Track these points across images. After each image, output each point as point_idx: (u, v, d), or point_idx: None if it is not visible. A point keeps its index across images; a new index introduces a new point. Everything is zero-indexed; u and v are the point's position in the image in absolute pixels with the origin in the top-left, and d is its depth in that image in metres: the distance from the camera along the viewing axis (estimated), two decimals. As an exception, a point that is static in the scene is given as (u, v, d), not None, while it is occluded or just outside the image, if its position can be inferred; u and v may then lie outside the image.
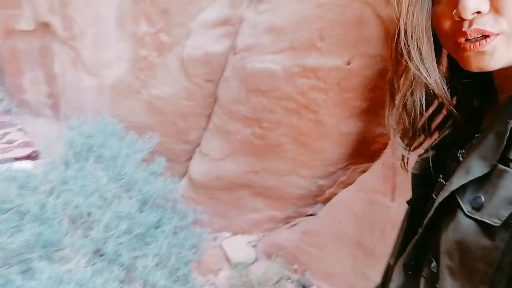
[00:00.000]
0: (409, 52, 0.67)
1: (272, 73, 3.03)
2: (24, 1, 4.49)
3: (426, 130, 0.77)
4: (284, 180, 3.16)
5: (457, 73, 0.72)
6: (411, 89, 0.71)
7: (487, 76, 0.71)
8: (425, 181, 0.79)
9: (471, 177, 0.62)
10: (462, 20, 0.61)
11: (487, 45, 0.61)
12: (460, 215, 0.62)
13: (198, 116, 3.85)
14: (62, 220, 2.97)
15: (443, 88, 0.70)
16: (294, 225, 3.19)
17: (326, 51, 2.90)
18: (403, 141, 0.79)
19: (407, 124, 0.75)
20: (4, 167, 3.26)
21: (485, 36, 0.61)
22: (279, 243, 3.23)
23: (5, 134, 4.24)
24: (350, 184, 3.00)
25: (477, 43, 0.61)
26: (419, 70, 0.67)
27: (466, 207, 0.62)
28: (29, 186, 3.01)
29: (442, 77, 0.70)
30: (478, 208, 0.60)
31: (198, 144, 3.89)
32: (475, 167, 0.63)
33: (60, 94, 4.66)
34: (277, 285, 3.04)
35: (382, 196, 2.62)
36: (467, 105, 0.75)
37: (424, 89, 0.71)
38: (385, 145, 2.74)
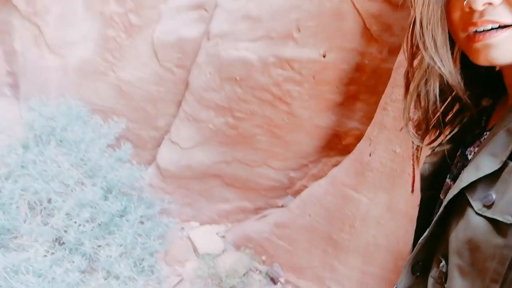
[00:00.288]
0: (424, 42, 0.66)
1: (247, 62, 2.94)
2: (-19, -30, 4.15)
3: (440, 125, 0.75)
4: (256, 171, 3.10)
5: (469, 71, 0.71)
6: (425, 79, 0.70)
7: (497, 74, 0.70)
8: (433, 183, 0.77)
9: (481, 174, 0.61)
10: (473, 11, 0.60)
11: (496, 37, 0.59)
12: (470, 213, 0.61)
13: (168, 102, 3.71)
14: (19, 206, 2.78)
15: (457, 79, 0.68)
16: (264, 216, 3.14)
17: (302, 42, 2.85)
18: (417, 135, 0.76)
19: (420, 115, 0.74)
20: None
21: (495, 29, 0.59)
22: (248, 235, 3.18)
23: (-42, 113, 3.93)
24: (321, 177, 2.98)
25: (487, 34, 0.60)
26: (433, 59, 0.66)
27: (476, 205, 0.60)
28: (-17, 170, 2.80)
29: (457, 68, 0.68)
30: (489, 205, 0.59)
31: (167, 132, 3.76)
32: (485, 164, 0.61)
33: (21, 73, 4.36)
34: (244, 276, 2.99)
35: (352, 191, 2.61)
36: (477, 103, 0.73)
37: (438, 80, 0.69)
38: (357, 140, 2.73)
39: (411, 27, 0.69)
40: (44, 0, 3.89)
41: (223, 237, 3.36)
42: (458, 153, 0.75)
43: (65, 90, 4.01)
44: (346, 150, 2.92)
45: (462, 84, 0.69)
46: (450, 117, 0.76)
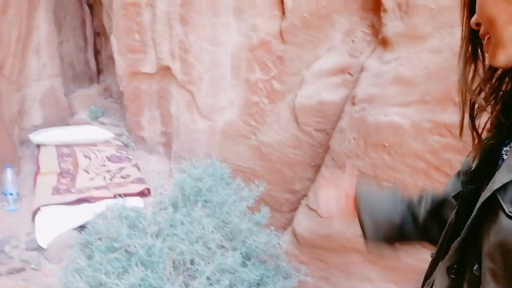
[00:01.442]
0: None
1: (398, 127, 2.63)
2: (149, 46, 4.72)
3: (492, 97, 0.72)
4: (405, 250, 2.66)
5: None
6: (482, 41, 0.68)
7: None
8: (473, 180, 0.73)
9: None
10: None
11: None
12: (501, 216, 0.59)
13: (305, 166, 3.56)
14: (165, 265, 2.81)
15: None
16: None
17: (464, 106, 2.43)
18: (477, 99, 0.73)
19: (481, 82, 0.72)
20: (118, 204, 3.26)
21: None
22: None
23: (121, 168, 4.36)
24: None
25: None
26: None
27: (507, 207, 0.58)
28: (138, 227, 2.92)
29: None
30: None
31: (303, 195, 3.57)
32: None
33: (174, 134, 4.73)
34: None
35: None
36: None
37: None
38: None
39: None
40: (198, 70, 4.20)
41: (363, 319, 2.91)
42: (496, 155, 0.70)
43: (212, 151, 4.18)
44: None
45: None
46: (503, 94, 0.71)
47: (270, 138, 3.76)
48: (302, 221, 3.19)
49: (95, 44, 7.58)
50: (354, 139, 2.90)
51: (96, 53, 7.61)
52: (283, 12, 3.59)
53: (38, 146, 4.67)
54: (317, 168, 3.44)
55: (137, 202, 3.60)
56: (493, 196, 0.61)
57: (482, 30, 0.65)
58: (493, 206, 0.61)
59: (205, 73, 4.16)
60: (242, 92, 3.98)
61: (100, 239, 2.87)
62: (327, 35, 3.44)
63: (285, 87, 3.70)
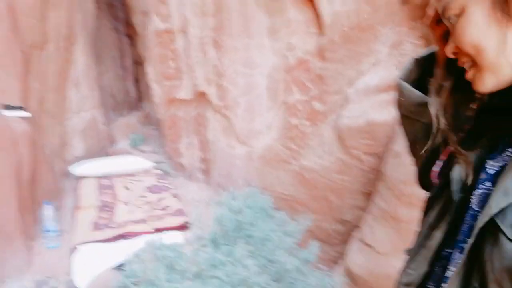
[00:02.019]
0: None
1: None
2: (184, 73, 4.56)
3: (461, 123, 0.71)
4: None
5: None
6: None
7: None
8: (463, 186, 0.70)
9: (511, 199, 0.57)
10: None
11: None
12: (503, 240, 0.57)
13: (355, 193, 3.19)
14: (207, 311, 2.52)
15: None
16: None
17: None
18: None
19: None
20: (156, 243, 3.03)
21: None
22: None
23: (161, 199, 4.17)
24: None
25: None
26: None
27: (508, 232, 0.57)
28: (177, 269, 2.67)
29: None
30: None
31: (354, 226, 3.20)
32: None
33: (212, 160, 4.51)
34: None
35: None
36: (490, 117, 0.69)
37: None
38: None
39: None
40: (234, 94, 3.97)
41: None
42: (480, 166, 0.68)
43: (250, 177, 3.90)
44: None
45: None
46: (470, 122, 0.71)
47: (312, 163, 3.43)
48: (357, 258, 2.80)
49: (135, 72, 7.63)
50: (412, 164, 2.51)
51: (137, 81, 7.65)
52: (320, 28, 3.30)
53: (79, 178, 4.59)
54: (369, 195, 3.07)
55: (176, 237, 3.36)
56: (491, 221, 0.59)
57: (462, 58, 0.64)
58: (491, 230, 0.59)
59: (241, 97, 3.92)
60: (280, 114, 3.70)
61: (137, 283, 2.64)
62: (371, 49, 3.10)
63: (326, 107, 3.37)
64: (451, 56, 0.65)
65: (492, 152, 0.68)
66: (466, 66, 0.64)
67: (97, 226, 3.54)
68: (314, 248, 2.89)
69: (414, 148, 0.87)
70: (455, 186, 0.71)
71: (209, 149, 4.55)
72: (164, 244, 2.95)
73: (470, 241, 0.62)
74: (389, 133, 2.85)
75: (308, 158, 3.49)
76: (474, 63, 0.62)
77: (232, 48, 3.86)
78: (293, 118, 3.58)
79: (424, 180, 0.84)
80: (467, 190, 0.69)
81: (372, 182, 3.01)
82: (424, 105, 0.73)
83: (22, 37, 3.90)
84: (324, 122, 3.39)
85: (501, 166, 0.64)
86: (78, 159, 5.16)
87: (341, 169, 3.23)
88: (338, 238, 3.31)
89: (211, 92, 4.24)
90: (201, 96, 4.48)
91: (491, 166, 0.67)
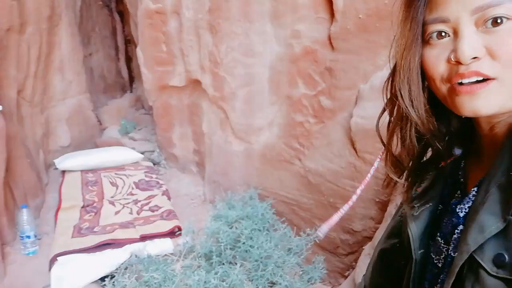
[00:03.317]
0: (400, 91, 0.66)
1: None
2: (177, 58, 4.05)
3: (417, 170, 0.73)
4: None
5: (440, 120, 0.69)
6: (399, 126, 0.71)
7: (468, 125, 0.68)
8: (423, 242, 0.70)
9: (488, 235, 0.56)
10: (459, 64, 0.59)
11: (481, 89, 0.57)
12: (484, 275, 0.56)
13: (367, 202, 2.78)
14: None
15: (431, 127, 0.67)
16: None
17: None
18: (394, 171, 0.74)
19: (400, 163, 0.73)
20: (143, 255, 2.62)
21: (479, 81, 0.58)
22: None
23: (150, 197, 3.74)
24: None
25: (473, 86, 0.58)
26: (407, 109, 0.66)
27: (488, 266, 0.55)
28: (165, 293, 2.26)
29: (429, 117, 0.67)
30: (502, 265, 0.54)
31: (363, 237, 2.80)
32: (489, 224, 0.56)
33: (207, 154, 4.06)
34: None
35: None
36: (449, 153, 0.71)
37: (413, 128, 0.69)
38: None
39: (391, 77, 0.70)
40: (231, 86, 3.48)
41: None
42: (440, 208, 0.70)
43: (249, 177, 3.47)
44: None
45: (434, 133, 0.67)
46: (425, 163, 0.72)
47: (319, 166, 3.00)
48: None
49: (126, 51, 7.03)
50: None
51: (129, 60, 7.06)
52: (332, 14, 2.79)
53: (63, 172, 4.13)
54: (383, 205, 2.66)
55: (166, 244, 2.95)
56: (470, 258, 0.57)
57: (468, 72, 0.58)
58: (470, 266, 0.57)
59: (239, 89, 3.44)
60: (284, 110, 3.23)
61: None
62: (390, 39, 2.60)
63: (336, 104, 2.91)
64: (466, 62, 0.58)
65: (452, 195, 0.69)
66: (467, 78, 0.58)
67: (79, 231, 3.12)
68: (320, 265, 2.50)
69: None
70: (414, 244, 0.70)
71: (203, 142, 4.09)
72: (151, 259, 2.54)
73: (451, 281, 0.60)
74: (410, 139, 2.41)
75: (314, 159, 3.05)
76: (484, 79, 0.57)
77: (230, 33, 3.34)
78: (298, 114, 3.12)
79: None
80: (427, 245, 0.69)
81: (387, 191, 2.59)
82: None
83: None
84: (333, 120, 2.93)
85: (469, 207, 0.64)
86: (64, 149, 4.69)
87: (352, 174, 2.81)
88: (346, 250, 2.92)
89: (206, 81, 3.75)
90: (196, 83, 3.99)
91: (460, 209, 0.66)
